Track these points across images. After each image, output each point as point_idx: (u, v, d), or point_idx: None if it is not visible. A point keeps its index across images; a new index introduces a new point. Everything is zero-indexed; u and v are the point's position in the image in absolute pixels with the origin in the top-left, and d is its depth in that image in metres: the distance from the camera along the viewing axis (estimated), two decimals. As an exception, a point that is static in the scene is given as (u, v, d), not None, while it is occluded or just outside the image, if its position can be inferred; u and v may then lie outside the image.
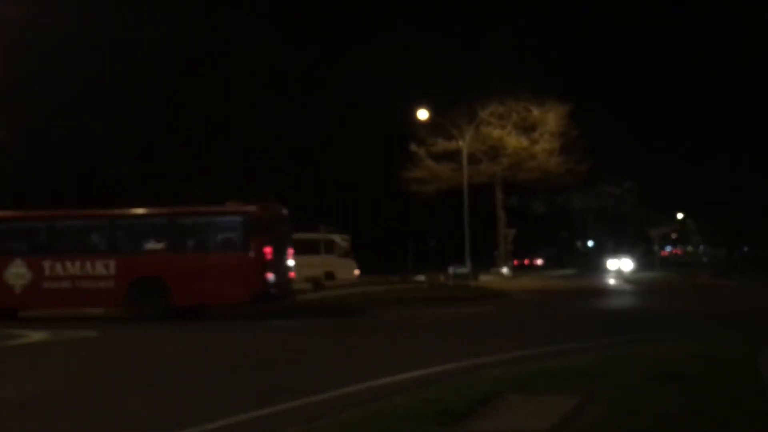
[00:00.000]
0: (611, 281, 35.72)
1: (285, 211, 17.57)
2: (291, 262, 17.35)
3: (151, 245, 16.61)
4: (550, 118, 38.25)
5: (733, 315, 16.48)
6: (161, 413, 6.57)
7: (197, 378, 8.66)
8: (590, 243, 65.88)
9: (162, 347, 12.12)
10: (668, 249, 78.47)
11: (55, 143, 35.67)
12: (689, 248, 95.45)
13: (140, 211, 17.50)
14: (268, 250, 15.59)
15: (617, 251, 54.14)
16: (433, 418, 5.52)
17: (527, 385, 6.88)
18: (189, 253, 16.18)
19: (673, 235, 76.83)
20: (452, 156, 37.93)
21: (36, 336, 13.21)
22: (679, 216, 76.73)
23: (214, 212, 17.19)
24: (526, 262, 58.27)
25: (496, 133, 38.43)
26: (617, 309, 20.36)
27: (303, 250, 33.12)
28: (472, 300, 22.65)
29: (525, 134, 38.66)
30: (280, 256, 16.30)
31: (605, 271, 47.18)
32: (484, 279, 34.65)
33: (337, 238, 35.65)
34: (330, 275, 33.39)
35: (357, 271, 34.79)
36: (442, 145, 38.30)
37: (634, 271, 44.39)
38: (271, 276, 15.67)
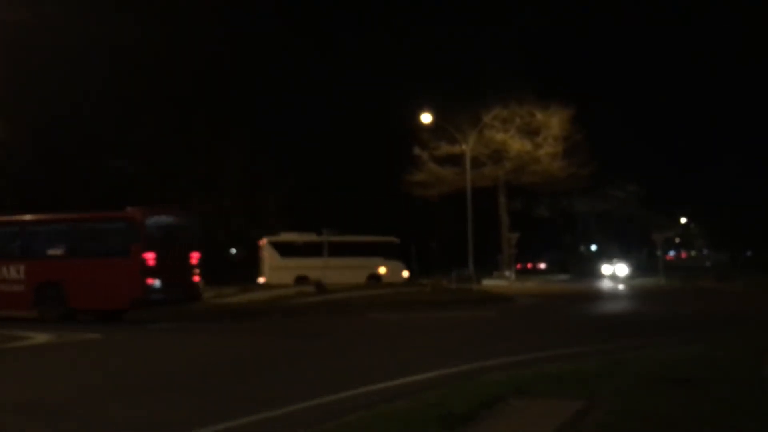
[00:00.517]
0: (610, 286, 35.66)
1: (184, 216, 17.72)
2: (193, 265, 17.10)
3: (53, 251, 16.77)
4: (554, 122, 38.24)
5: (736, 319, 16.46)
6: (163, 416, 6.59)
7: (198, 380, 8.68)
8: (593, 247, 65.75)
9: (165, 351, 12.16)
10: (672, 253, 78.27)
11: (59, 145, 35.80)
12: (692, 252, 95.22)
13: (44, 216, 17.67)
14: (149, 255, 15.56)
15: (612, 256, 53.91)
16: (437, 421, 5.54)
17: (530, 389, 6.89)
18: (82, 259, 16.28)
19: (677, 240, 76.62)
20: (455, 159, 37.93)
21: (40, 338, 13.26)
22: (683, 220, 76.58)
23: (102, 218, 17.25)
24: (529, 266, 58.20)
25: (500, 136, 38.43)
26: (619, 313, 20.35)
27: (348, 252, 33.00)
28: (475, 304, 22.65)
29: (528, 138, 38.65)
30: (171, 261, 16.17)
31: (600, 276, 46.80)
32: (487, 283, 34.64)
33: (385, 239, 34.76)
34: (376, 277, 32.78)
35: (406, 273, 33.88)
36: (445, 148, 38.30)
37: (634, 276, 44.20)
38: (152, 282, 15.60)
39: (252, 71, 45.35)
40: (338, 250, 32.39)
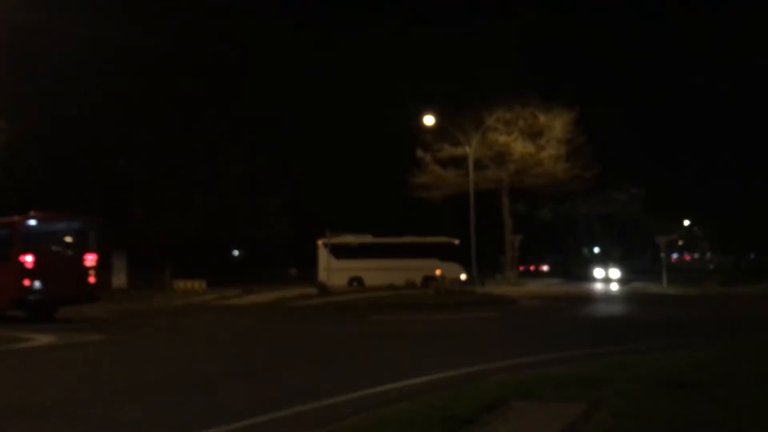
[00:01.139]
0: (600, 289, 35.49)
1: (77, 220, 18.38)
2: (87, 267, 17.63)
3: None
4: (557, 124, 38.23)
5: (740, 323, 16.41)
6: (163, 418, 6.57)
7: (198, 381, 8.67)
8: (596, 249, 65.65)
9: (168, 351, 12.16)
10: (675, 255, 78.15)
11: (63, 146, 35.88)
12: (696, 255, 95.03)
13: None
14: (26, 259, 16.35)
15: (607, 259, 53.42)
16: (439, 424, 5.52)
17: (533, 391, 6.87)
18: None
19: (680, 242, 76.51)
20: (459, 162, 37.92)
21: (43, 340, 13.26)
22: (686, 223, 76.46)
23: None
24: (531, 268, 58.11)
25: (503, 139, 38.42)
26: (623, 316, 20.30)
27: (403, 253, 32.28)
28: (478, 306, 22.63)
29: (531, 140, 38.63)
30: (57, 264, 17.05)
31: (592, 279, 46.14)
32: (490, 285, 34.61)
33: (442, 240, 33.93)
34: (432, 279, 31.67)
35: (463, 275, 32.54)
36: (448, 150, 38.31)
37: (632, 279, 43.91)
38: (30, 283, 16.36)
39: (255, 72, 45.39)
40: (393, 252, 32.02)
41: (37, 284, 16.50)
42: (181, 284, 34.38)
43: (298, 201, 43.52)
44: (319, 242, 33.65)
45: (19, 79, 29.98)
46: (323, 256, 33.15)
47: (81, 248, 17.77)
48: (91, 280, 17.66)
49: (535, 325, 17.55)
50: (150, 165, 37.61)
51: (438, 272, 31.71)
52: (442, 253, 32.90)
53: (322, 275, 32.48)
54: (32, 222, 17.09)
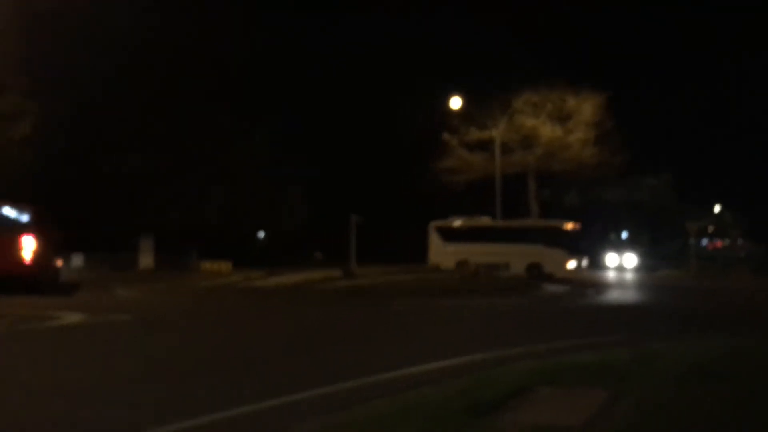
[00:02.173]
0: (626, 277, 34.94)
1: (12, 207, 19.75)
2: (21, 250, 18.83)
3: None
4: (586, 107, 37.72)
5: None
6: (185, 400, 6.62)
7: (221, 364, 8.74)
8: (624, 235, 64.88)
9: (192, 333, 12.28)
10: (704, 242, 76.91)
11: (86, 136, 36.26)
12: (726, 241, 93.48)
13: None
14: None
15: (620, 245, 51.57)
16: (463, 409, 5.47)
17: (559, 378, 6.79)
18: None
19: (710, 228, 75.26)
20: (485, 145, 37.65)
21: (72, 318, 13.47)
22: (717, 209, 75.15)
23: None
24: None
25: (530, 122, 38.03)
26: (650, 304, 20.07)
27: (510, 238, 30.46)
28: (503, 291, 22.54)
29: (559, 124, 38.18)
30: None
31: (604, 267, 44.29)
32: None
33: (549, 224, 31.89)
34: (536, 267, 30.19)
35: (571, 263, 30.48)
36: (474, 134, 38.03)
37: (657, 267, 43.13)
38: None
39: (275, 58, 45.23)
40: (500, 236, 30.78)
41: None
42: (207, 266, 34.72)
43: (321, 186, 43.56)
44: (432, 225, 33.01)
45: (37, 69, 30.26)
46: (434, 239, 32.44)
47: (17, 232, 19.09)
48: (26, 261, 18.92)
49: (561, 311, 17.42)
50: (169, 155, 37.89)
51: (541, 260, 29.62)
52: (548, 239, 30.69)
53: (433, 258, 31.53)
54: None
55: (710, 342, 9.49)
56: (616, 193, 51.75)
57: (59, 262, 22.90)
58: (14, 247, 19.04)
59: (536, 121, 37.91)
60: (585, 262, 32.31)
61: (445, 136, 38.53)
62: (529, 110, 37.78)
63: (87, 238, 33.59)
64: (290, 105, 44.10)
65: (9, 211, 19.97)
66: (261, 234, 49.94)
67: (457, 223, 32.63)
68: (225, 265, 34.47)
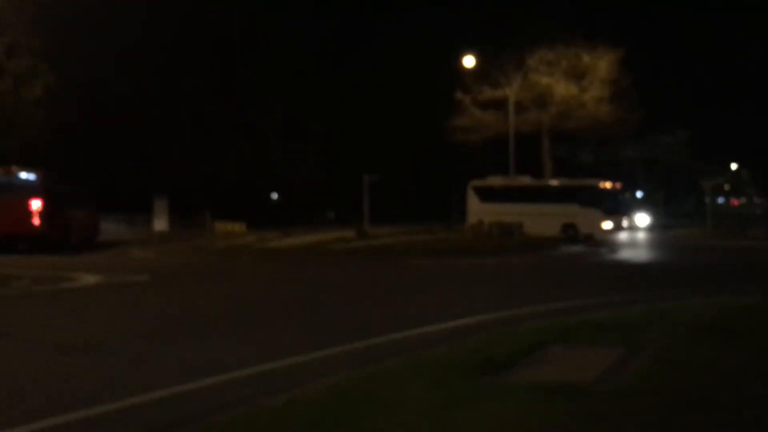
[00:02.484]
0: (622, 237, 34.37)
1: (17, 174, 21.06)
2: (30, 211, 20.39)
3: None
4: (601, 64, 37.02)
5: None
6: (206, 356, 6.76)
7: (239, 322, 8.88)
8: (639, 194, 64.48)
9: (209, 292, 12.46)
10: (721, 200, 76.12)
11: (105, 96, 36.26)
12: (742, 199, 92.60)
13: None
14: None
15: (635, 204, 50.31)
16: (477, 367, 5.55)
17: (571, 336, 6.86)
18: None
19: (726, 186, 74.46)
20: (498, 104, 37.18)
21: (90, 279, 13.69)
22: (733, 166, 74.31)
23: None
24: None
25: (545, 80, 37.41)
26: (662, 262, 20.04)
27: (544, 198, 29.55)
28: (516, 251, 22.54)
29: (575, 81, 37.57)
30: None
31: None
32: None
33: (584, 183, 30.47)
34: (571, 227, 29.01)
35: (607, 224, 29.16)
36: (488, 92, 37.50)
37: (672, 225, 42.59)
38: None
39: (292, 20, 44.79)
40: (535, 196, 29.85)
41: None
42: (221, 226, 34.96)
43: (335, 145, 43.48)
44: (470, 184, 32.57)
45: (62, 26, 30.13)
46: (472, 199, 32.08)
47: (28, 196, 20.42)
48: (35, 221, 20.33)
49: (573, 271, 17.44)
50: (188, 112, 37.90)
51: (575, 220, 28.69)
52: (583, 198, 29.28)
53: (472, 218, 30.94)
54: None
55: (720, 299, 9.51)
56: (631, 151, 51.13)
57: (93, 222, 24.18)
58: (24, 210, 20.18)
59: (551, 79, 37.31)
60: (626, 223, 31.14)
61: (459, 94, 38.11)
62: (543, 68, 37.17)
63: (102, 199, 33.89)
64: (307, 68, 43.83)
65: (20, 176, 21.05)
66: (274, 195, 50.09)
67: (495, 182, 32.13)
68: (239, 226, 34.68)
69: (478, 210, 30.85)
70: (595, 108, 37.57)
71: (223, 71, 38.73)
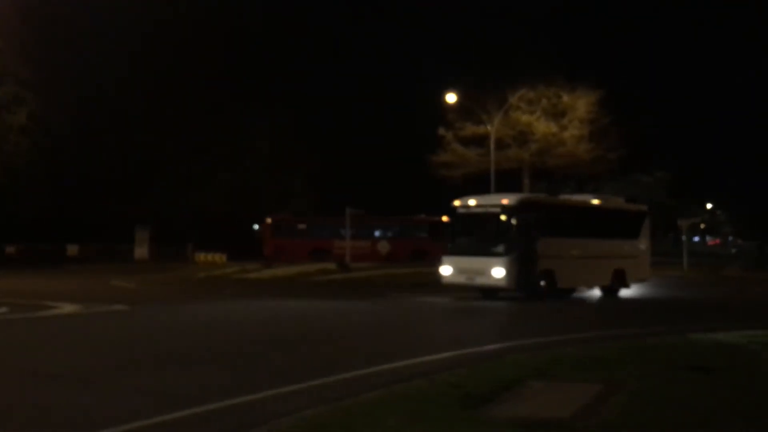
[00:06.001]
0: None
1: None
2: None
3: None
4: (581, 104, 37.71)
5: (759, 308, 16.26)
6: (173, 388, 6.69)
7: (216, 354, 8.81)
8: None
9: (187, 322, 12.34)
10: (697, 239, 77.06)
11: (93, 123, 36.20)
12: (717, 239, 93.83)
13: None
14: None
15: None
16: (456, 401, 5.57)
17: (550, 371, 6.90)
18: None
19: (702, 226, 75.44)
20: (480, 140, 37.60)
21: (68, 308, 13.52)
22: (709, 206, 75.46)
23: None
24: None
25: (526, 118, 37.98)
26: (644, 298, 20.19)
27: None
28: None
29: (554, 120, 38.21)
30: None
31: None
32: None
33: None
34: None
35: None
36: (470, 129, 37.95)
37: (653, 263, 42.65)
38: None
39: (279, 50, 45.31)
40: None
41: None
42: (201, 257, 34.73)
43: (320, 179, 43.58)
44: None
45: (50, 54, 30.20)
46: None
47: None
48: None
49: (556, 306, 17.51)
50: (176, 141, 37.91)
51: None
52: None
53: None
54: None
55: (699, 336, 9.61)
56: (611, 189, 51.79)
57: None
58: None
59: (531, 117, 37.90)
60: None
61: (441, 130, 38.53)
62: (524, 106, 37.77)
63: (83, 229, 33.60)
64: (292, 98, 44.17)
65: None
66: (256, 226, 49.92)
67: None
68: (220, 257, 34.49)
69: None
70: (575, 146, 38.12)
71: (208, 101, 38.89)
